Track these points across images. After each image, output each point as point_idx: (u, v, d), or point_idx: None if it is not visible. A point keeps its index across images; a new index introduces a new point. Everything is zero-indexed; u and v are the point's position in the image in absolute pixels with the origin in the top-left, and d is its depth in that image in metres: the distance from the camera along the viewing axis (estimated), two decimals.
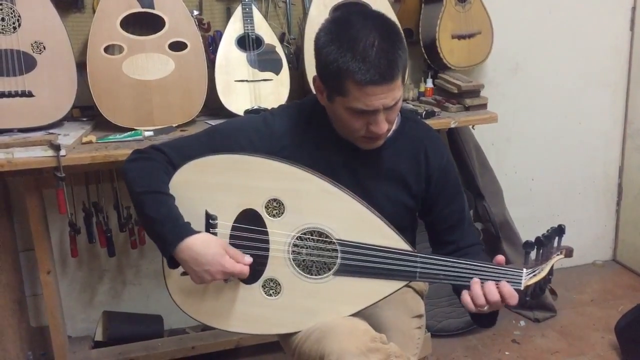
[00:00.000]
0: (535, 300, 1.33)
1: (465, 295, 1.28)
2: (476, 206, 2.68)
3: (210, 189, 1.35)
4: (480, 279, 1.28)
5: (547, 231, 1.31)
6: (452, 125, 2.22)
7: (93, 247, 2.33)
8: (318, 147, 1.42)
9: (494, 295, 1.25)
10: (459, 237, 1.49)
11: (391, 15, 2.12)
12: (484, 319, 1.38)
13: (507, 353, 2.43)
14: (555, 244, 1.32)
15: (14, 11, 1.89)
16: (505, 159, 2.88)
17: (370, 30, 1.25)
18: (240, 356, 2.38)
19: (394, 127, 1.42)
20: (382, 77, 1.24)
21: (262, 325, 1.38)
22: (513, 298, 1.26)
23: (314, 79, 1.36)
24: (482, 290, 1.26)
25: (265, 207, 1.34)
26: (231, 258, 1.29)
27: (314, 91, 2.14)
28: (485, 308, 1.27)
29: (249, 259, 1.32)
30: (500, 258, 1.32)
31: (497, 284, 1.27)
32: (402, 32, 1.32)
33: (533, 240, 1.30)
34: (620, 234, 3.16)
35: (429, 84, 2.45)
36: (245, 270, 1.31)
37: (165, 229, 1.29)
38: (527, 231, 2.82)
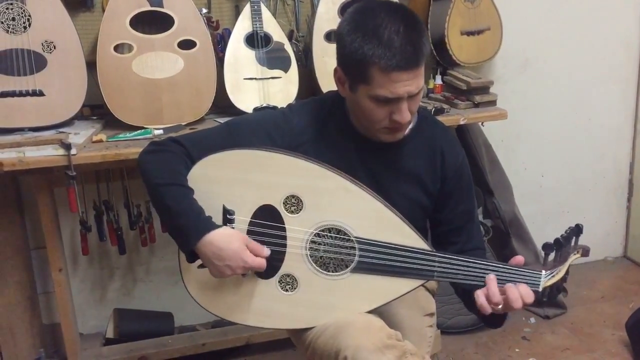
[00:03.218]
0: (551, 301, 1.32)
1: (481, 297, 1.27)
2: (485, 203, 2.67)
3: (228, 183, 1.35)
4: (500, 280, 1.27)
5: (566, 232, 1.29)
6: (462, 122, 2.21)
7: (104, 245, 2.34)
8: (336, 144, 1.42)
9: (516, 301, 1.24)
10: (464, 239, 1.48)
11: None
12: (493, 319, 1.38)
13: (517, 350, 2.43)
14: (573, 243, 1.31)
15: (24, 11, 1.90)
16: (514, 155, 2.87)
17: (394, 18, 1.25)
18: (251, 353, 2.39)
19: (410, 126, 1.42)
20: (408, 63, 1.24)
21: (277, 320, 1.38)
22: (529, 297, 1.26)
23: (335, 70, 1.36)
24: (501, 290, 1.25)
25: (284, 203, 1.34)
26: (251, 252, 1.30)
27: (322, 89, 2.17)
28: (500, 307, 1.26)
29: (267, 252, 1.32)
30: (519, 259, 1.31)
31: (515, 285, 1.26)
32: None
33: (552, 241, 1.29)
34: (631, 230, 3.14)
35: (438, 80, 2.44)
36: (264, 263, 1.31)
37: (187, 223, 1.28)
38: (537, 228, 2.82)
